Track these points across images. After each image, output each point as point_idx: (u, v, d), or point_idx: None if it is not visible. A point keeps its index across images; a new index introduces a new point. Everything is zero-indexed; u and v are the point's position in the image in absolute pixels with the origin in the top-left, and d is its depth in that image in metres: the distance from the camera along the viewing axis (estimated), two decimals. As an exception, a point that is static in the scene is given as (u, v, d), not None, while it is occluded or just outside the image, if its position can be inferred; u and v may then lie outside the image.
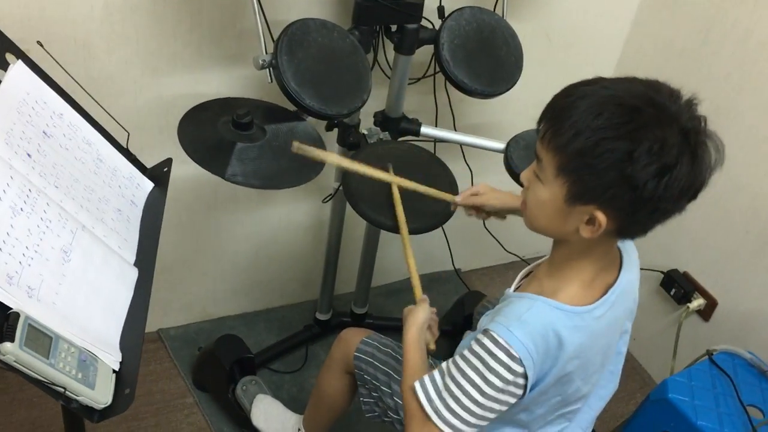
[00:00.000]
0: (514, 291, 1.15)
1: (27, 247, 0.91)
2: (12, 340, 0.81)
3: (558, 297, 1.04)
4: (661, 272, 2.02)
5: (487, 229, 2.16)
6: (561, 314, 1.03)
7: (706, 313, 1.95)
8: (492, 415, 1.04)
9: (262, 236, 2.00)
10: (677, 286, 1.98)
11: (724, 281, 1.90)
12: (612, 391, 1.27)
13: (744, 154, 1.79)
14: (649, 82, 0.97)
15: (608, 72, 2.16)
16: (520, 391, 1.03)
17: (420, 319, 1.23)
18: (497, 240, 2.20)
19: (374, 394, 1.42)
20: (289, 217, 2.00)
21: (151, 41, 1.55)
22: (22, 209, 0.93)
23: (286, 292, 2.19)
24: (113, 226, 1.10)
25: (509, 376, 1.00)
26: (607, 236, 1.01)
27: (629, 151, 0.90)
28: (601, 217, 0.96)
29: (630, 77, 0.98)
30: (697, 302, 1.94)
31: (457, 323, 2.09)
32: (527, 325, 1.01)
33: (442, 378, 1.06)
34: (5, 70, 1.05)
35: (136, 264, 1.11)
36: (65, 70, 1.19)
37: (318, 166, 1.38)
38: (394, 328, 2.12)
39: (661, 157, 0.91)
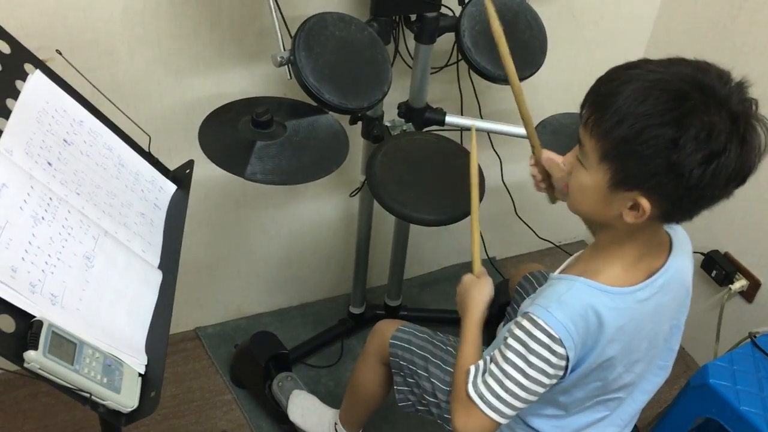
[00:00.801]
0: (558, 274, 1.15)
1: (49, 255, 0.93)
2: (36, 348, 0.82)
3: (599, 278, 1.04)
4: (702, 253, 1.97)
5: (519, 216, 2.13)
6: (601, 294, 1.02)
7: (749, 294, 1.89)
8: (535, 398, 1.05)
9: (292, 232, 2.01)
10: (718, 268, 1.92)
11: (766, 261, 1.84)
12: (658, 385, 1.25)
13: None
14: (697, 63, 0.94)
15: (639, 49, 2.10)
16: (561, 373, 1.04)
17: (487, 298, 1.23)
18: (530, 227, 2.16)
19: (410, 380, 1.42)
20: (318, 212, 2.00)
21: (173, 43, 1.56)
22: (43, 218, 0.94)
23: (320, 287, 2.20)
24: (136, 230, 1.11)
25: (552, 358, 1.01)
26: (651, 221, 0.99)
27: (675, 138, 0.88)
28: (645, 203, 0.95)
29: (677, 58, 0.96)
30: (740, 283, 1.88)
31: (492, 312, 2.05)
32: (566, 305, 1.01)
33: (485, 364, 1.08)
34: (24, 80, 1.07)
35: (160, 267, 1.11)
36: (86, 78, 1.20)
37: (338, 159, 1.37)
38: (429, 320, 2.12)
39: (708, 144, 0.88)
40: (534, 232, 2.19)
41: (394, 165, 1.47)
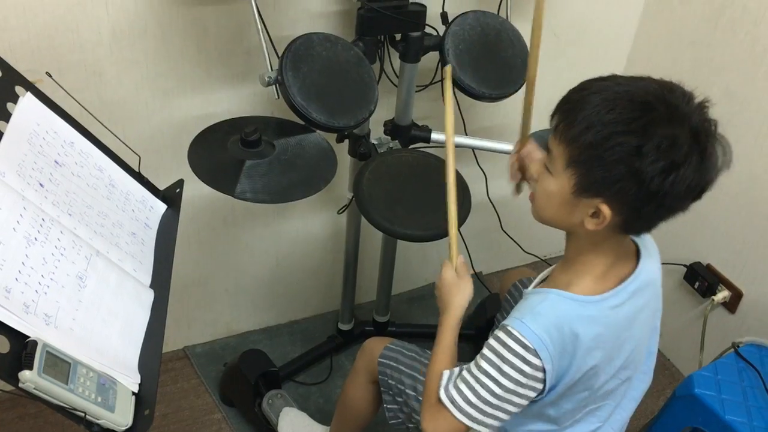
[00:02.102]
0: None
1: (42, 276, 0.93)
2: (30, 368, 0.83)
3: (570, 289, 1.06)
4: (684, 265, 2.00)
5: (504, 231, 2.15)
6: (574, 304, 1.05)
7: (731, 305, 1.92)
8: (512, 408, 1.06)
9: (281, 249, 2.02)
10: (701, 279, 1.95)
11: (748, 272, 1.87)
12: (644, 391, 1.27)
13: (760, 142, 1.76)
14: (663, 82, 0.98)
15: (620, 65, 2.15)
16: (539, 385, 1.05)
17: (467, 299, 1.22)
18: (515, 241, 2.19)
19: (398, 399, 1.43)
20: (306, 229, 2.02)
21: (160, 64, 1.57)
22: (36, 239, 0.95)
23: (309, 304, 2.21)
24: (128, 249, 1.12)
25: (527, 369, 1.02)
26: (613, 230, 1.03)
27: (638, 146, 0.92)
28: (606, 210, 0.98)
29: (645, 76, 1.00)
30: (722, 294, 1.91)
31: (480, 327, 2.08)
32: (540, 316, 1.04)
33: (461, 371, 1.09)
34: (15, 103, 1.08)
35: (151, 285, 1.12)
36: (75, 99, 1.21)
37: (327, 177, 1.39)
38: (417, 335, 2.14)
39: (669, 154, 0.92)
40: (520, 247, 2.21)
41: (381, 182, 1.49)
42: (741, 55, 1.78)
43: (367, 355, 1.48)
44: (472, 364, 1.08)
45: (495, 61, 1.64)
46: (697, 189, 0.96)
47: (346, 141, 1.69)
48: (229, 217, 1.88)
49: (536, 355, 1.01)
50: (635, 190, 0.94)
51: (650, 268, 1.13)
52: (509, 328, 1.04)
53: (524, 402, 1.06)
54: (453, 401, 1.07)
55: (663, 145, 0.91)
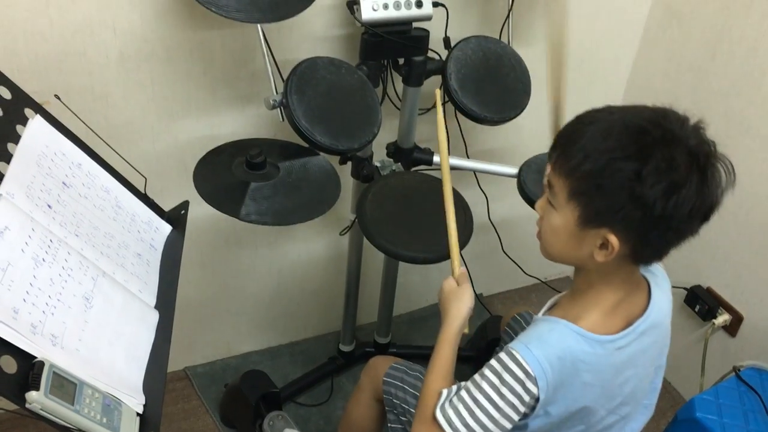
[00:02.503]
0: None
1: (50, 296, 0.94)
2: (37, 388, 0.83)
3: (579, 323, 1.05)
4: (684, 288, 2.01)
5: (506, 254, 2.16)
6: (581, 339, 1.04)
7: (732, 328, 1.92)
8: (499, 430, 1.04)
9: (282, 270, 2.03)
10: (701, 302, 1.96)
11: (748, 295, 1.88)
12: (644, 423, 1.26)
13: (759, 166, 1.78)
14: (656, 108, 0.99)
15: (619, 91, 2.17)
16: (527, 411, 1.04)
17: (465, 311, 1.21)
18: (517, 264, 2.20)
19: (403, 418, 1.43)
20: (308, 251, 2.03)
21: (166, 87, 1.59)
22: (44, 260, 0.96)
23: (310, 325, 2.21)
24: (133, 270, 1.13)
25: (525, 396, 1.01)
26: (622, 261, 1.02)
27: (637, 171, 0.92)
28: (613, 240, 0.98)
29: (639, 105, 1.00)
30: (723, 318, 1.92)
31: (480, 348, 2.08)
32: (547, 345, 1.03)
33: (459, 389, 1.08)
34: (24, 125, 1.09)
35: (156, 306, 1.13)
36: (83, 121, 1.22)
37: (331, 200, 1.40)
38: (418, 356, 2.13)
39: (669, 176, 0.92)
40: (521, 269, 2.22)
41: (384, 204, 1.50)
42: (739, 81, 1.81)
43: (372, 373, 1.49)
44: (470, 384, 1.06)
45: (496, 85, 1.66)
46: (702, 210, 0.96)
47: (349, 163, 1.71)
48: (231, 237, 1.89)
49: (535, 383, 1.01)
50: (640, 216, 0.94)
51: (661, 306, 1.12)
52: (513, 352, 1.03)
53: (510, 425, 1.05)
54: (449, 422, 1.05)
55: (661, 167, 0.92)
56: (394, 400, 1.43)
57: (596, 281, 1.06)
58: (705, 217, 0.97)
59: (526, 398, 1.02)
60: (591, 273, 1.06)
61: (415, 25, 1.59)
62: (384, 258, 1.93)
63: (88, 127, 1.23)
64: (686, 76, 1.96)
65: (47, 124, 1.12)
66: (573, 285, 1.13)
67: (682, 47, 1.95)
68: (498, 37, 1.74)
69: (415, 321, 2.31)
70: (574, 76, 2.06)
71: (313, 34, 1.66)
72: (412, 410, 1.40)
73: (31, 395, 0.83)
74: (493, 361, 1.05)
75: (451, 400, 1.07)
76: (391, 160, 1.74)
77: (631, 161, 0.92)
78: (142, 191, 1.28)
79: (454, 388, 1.10)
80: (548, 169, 1.04)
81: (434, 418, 1.07)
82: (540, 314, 1.17)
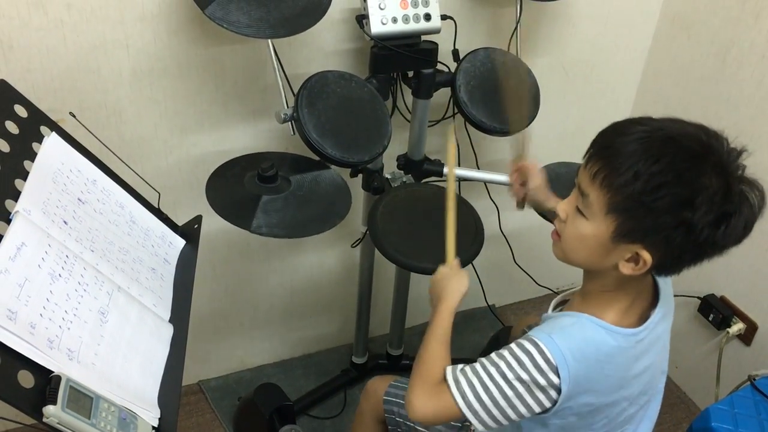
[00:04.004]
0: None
1: (66, 311, 0.95)
2: (55, 402, 0.84)
3: (601, 318, 1.05)
4: (698, 298, 2.00)
5: (517, 264, 2.16)
6: (603, 332, 1.03)
7: (746, 337, 1.91)
8: (513, 415, 1.03)
9: (295, 283, 2.03)
10: (715, 312, 1.95)
11: (763, 304, 1.87)
12: (657, 411, 1.24)
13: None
14: (700, 126, 0.97)
15: (629, 100, 2.17)
16: (548, 404, 1.03)
17: (464, 288, 1.21)
18: (528, 274, 2.20)
19: (408, 436, 1.43)
20: (321, 263, 2.03)
21: (178, 102, 1.61)
22: (60, 275, 0.97)
23: (322, 338, 2.22)
24: (148, 285, 1.14)
25: (541, 381, 1.00)
26: (645, 272, 1.01)
27: (690, 198, 0.91)
28: (647, 256, 0.97)
29: (677, 119, 0.99)
30: (737, 327, 1.91)
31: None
32: (570, 337, 1.02)
33: (472, 365, 1.05)
34: (40, 142, 1.11)
35: (170, 320, 1.14)
36: (97, 138, 1.24)
37: (341, 212, 1.41)
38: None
39: (722, 206, 0.92)
40: (533, 280, 2.22)
41: (395, 216, 1.51)
42: (749, 90, 1.80)
43: (371, 396, 1.48)
44: (485, 360, 1.04)
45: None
46: (743, 236, 0.96)
47: (360, 175, 1.72)
48: (244, 251, 1.90)
49: (556, 372, 0.99)
50: (681, 239, 0.94)
51: (668, 293, 1.13)
52: (536, 339, 1.01)
53: (527, 413, 1.03)
54: (462, 393, 1.03)
55: (717, 198, 0.91)
56: (398, 419, 1.43)
57: (611, 286, 1.06)
58: (739, 241, 0.97)
59: (545, 384, 1.00)
60: (607, 279, 1.06)
61: (423, 38, 1.60)
62: (396, 270, 1.94)
63: (102, 143, 1.25)
64: (696, 85, 1.96)
65: (63, 141, 1.14)
66: (584, 288, 1.13)
67: (691, 56, 1.95)
68: (506, 49, 1.75)
69: (428, 332, 2.31)
70: (584, 86, 2.07)
71: (323, 49, 1.67)
72: (418, 428, 1.39)
73: (49, 409, 0.84)
74: (513, 345, 1.03)
75: (463, 368, 1.05)
76: (402, 172, 1.75)
77: (685, 187, 0.92)
78: (156, 206, 1.29)
79: (459, 365, 1.08)
80: (583, 176, 1.02)
81: (444, 381, 1.05)
82: (549, 311, 1.17)
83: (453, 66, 1.68)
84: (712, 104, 1.91)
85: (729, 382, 1.91)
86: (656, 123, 0.98)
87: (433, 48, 1.60)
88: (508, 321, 2.37)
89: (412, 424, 1.40)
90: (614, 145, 0.97)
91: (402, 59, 1.57)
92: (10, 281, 0.90)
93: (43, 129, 1.13)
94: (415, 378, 1.11)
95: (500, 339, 2.13)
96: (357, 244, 1.82)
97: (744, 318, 1.91)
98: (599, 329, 1.04)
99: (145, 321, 1.08)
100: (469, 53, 1.66)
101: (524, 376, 1.01)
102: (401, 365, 2.12)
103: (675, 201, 0.92)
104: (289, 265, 2.00)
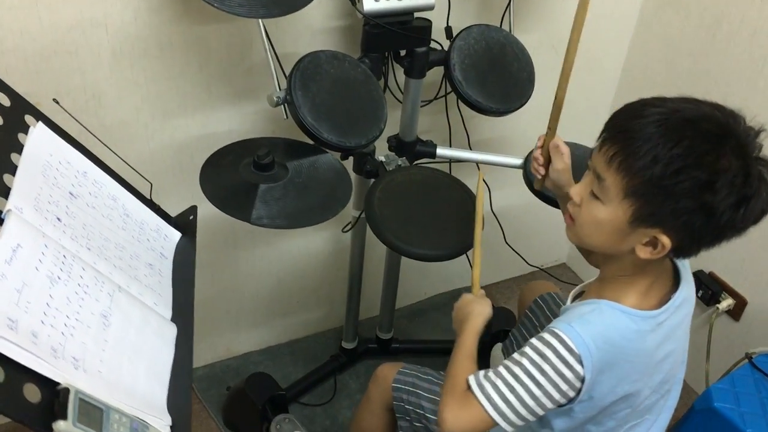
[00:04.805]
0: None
1: (68, 317, 0.89)
2: (65, 417, 0.78)
3: (620, 302, 1.04)
4: (687, 274, 2.00)
5: (507, 244, 2.14)
6: (624, 317, 1.02)
7: (735, 312, 1.92)
8: (541, 411, 1.03)
9: (281, 269, 1.98)
10: (704, 288, 1.95)
11: (752, 279, 1.88)
12: (677, 398, 1.24)
13: (763, 152, 1.77)
14: (717, 106, 0.96)
15: (615, 76, 2.15)
16: (572, 393, 1.02)
17: (487, 314, 1.23)
18: (518, 253, 2.17)
19: (417, 424, 1.40)
20: (308, 248, 1.98)
21: (161, 84, 1.53)
22: (59, 277, 0.91)
23: (309, 322, 2.17)
24: (147, 282, 1.08)
25: (568, 374, 1.00)
26: (664, 256, 1.00)
27: (711, 182, 0.90)
28: (666, 240, 0.96)
29: (691, 98, 0.98)
30: (726, 302, 1.92)
31: (484, 341, 2.05)
32: (591, 324, 1.01)
33: (495, 369, 1.05)
34: (26, 133, 1.03)
35: (173, 319, 1.08)
36: (82, 124, 1.17)
37: (343, 199, 1.36)
38: (422, 351, 2.11)
39: (743, 189, 0.91)
40: (523, 259, 2.19)
41: (393, 201, 1.47)
42: (739, 66, 1.79)
43: (381, 381, 1.45)
44: (509, 362, 1.03)
45: (501, 75, 1.63)
46: (762, 217, 0.95)
47: (350, 158, 1.66)
48: (230, 238, 1.84)
49: (580, 361, 0.99)
50: (702, 222, 0.93)
51: (688, 278, 1.11)
52: (557, 330, 1.01)
53: (553, 407, 1.03)
54: (487, 396, 1.02)
55: (737, 180, 0.90)
56: (407, 406, 1.40)
57: (630, 271, 1.05)
58: (757, 221, 0.96)
59: (570, 376, 0.99)
60: (625, 263, 1.04)
61: (416, 15, 1.55)
62: (386, 253, 1.90)
63: (88, 130, 1.17)
64: (684, 61, 1.94)
65: (50, 131, 1.06)
66: (601, 273, 1.12)
67: (679, 31, 1.93)
68: (499, 25, 1.71)
69: (415, 314, 2.28)
70: (552, 57, 2.04)
71: (311, 27, 1.60)
72: (428, 415, 1.36)
73: (59, 425, 0.78)
74: (535, 341, 1.03)
75: (486, 374, 1.05)
76: (394, 154, 1.70)
77: (706, 171, 0.90)
78: (148, 197, 1.23)
79: (481, 371, 1.07)
80: (597, 159, 1.00)
81: (470, 390, 1.04)
82: (568, 302, 1.16)
83: (446, 44, 1.62)
84: (700, 80, 1.90)
85: (719, 357, 1.92)
86: (671, 104, 0.96)
87: (427, 25, 1.55)
88: (495, 299, 2.33)
89: (422, 412, 1.37)
90: (631, 128, 0.95)
91: (395, 37, 1.52)
92: (8, 287, 0.83)
93: (28, 118, 1.05)
94: (445, 393, 1.09)
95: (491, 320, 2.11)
96: (349, 229, 1.77)
97: (733, 294, 1.92)
98: (619, 314, 1.03)
99: (149, 322, 1.02)
100: (462, 30, 1.61)
101: (549, 369, 1.00)
102: (391, 348, 2.09)
103: (695, 185, 0.91)
104: (275, 251, 1.94)
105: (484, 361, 1.49)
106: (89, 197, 1.08)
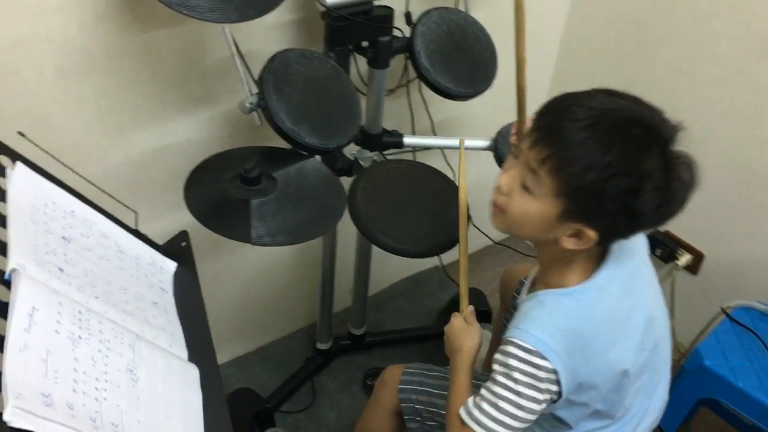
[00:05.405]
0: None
1: (96, 379, 0.80)
2: (126, 496, 0.71)
3: (561, 286, 1.08)
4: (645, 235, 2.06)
5: (474, 226, 2.12)
6: (564, 299, 1.06)
7: (693, 267, 2.00)
8: (533, 416, 1.05)
9: (246, 276, 1.90)
10: (662, 246, 2.02)
11: (706, 234, 1.95)
12: (671, 351, 1.27)
13: (708, 109, 1.83)
14: (630, 98, 1.00)
15: (553, 47, 2.16)
16: (555, 387, 1.04)
17: (477, 343, 1.23)
18: (484, 233, 2.16)
19: (431, 422, 1.38)
20: (271, 250, 1.90)
21: (111, 98, 1.41)
22: (80, 337, 0.81)
23: (276, 326, 2.10)
24: (157, 323, 0.99)
25: (539, 373, 1.01)
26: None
27: (637, 188, 0.94)
28: (591, 234, 1.00)
29: (606, 90, 1.00)
30: (684, 258, 1.99)
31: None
32: (537, 319, 1.04)
33: (478, 392, 1.08)
34: (4, 176, 0.92)
35: (190, 359, 1.00)
36: (62, 163, 1.05)
37: (339, 206, 1.31)
38: (396, 341, 2.08)
39: (664, 193, 0.96)
40: (490, 239, 2.19)
41: (376, 199, 1.42)
42: (683, 28, 1.83)
43: (390, 384, 1.42)
44: (488, 382, 1.07)
45: (465, 58, 1.60)
46: (677, 213, 1.01)
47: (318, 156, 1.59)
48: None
49: (541, 356, 1.01)
50: (625, 221, 0.98)
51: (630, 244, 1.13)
52: (510, 338, 1.04)
53: (544, 406, 1.05)
54: (478, 422, 1.05)
55: (660, 185, 0.95)
56: (417, 406, 1.38)
57: (562, 254, 1.07)
58: (675, 216, 1.02)
59: (542, 374, 1.01)
60: (556, 248, 1.06)
61: (375, 3, 1.49)
62: (356, 249, 1.85)
63: (73, 170, 1.06)
64: (626, 26, 1.97)
65: (30, 171, 0.95)
66: (539, 262, 1.16)
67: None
68: (454, 6, 1.67)
69: (382, 303, 2.25)
70: (511, 36, 2.03)
71: (264, 23, 1.51)
72: (442, 411, 1.34)
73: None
74: (497, 355, 1.06)
75: (474, 400, 1.08)
76: (361, 148, 1.65)
77: (632, 178, 0.94)
78: (134, 227, 1.13)
79: (468, 399, 1.10)
80: (530, 155, 1.00)
81: (462, 422, 1.08)
82: (523, 295, 1.19)
83: (407, 30, 1.57)
84: (645, 43, 1.93)
85: (683, 311, 1.99)
86: (595, 103, 0.98)
87: (389, 13, 1.50)
88: (455, 277, 2.35)
89: (435, 410, 1.35)
90: (562, 131, 0.97)
91: (359, 28, 1.45)
92: (34, 358, 0.74)
93: (3, 159, 0.94)
94: (448, 428, 1.12)
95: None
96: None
97: (690, 249, 1.99)
98: (559, 298, 1.07)
99: (172, 368, 0.94)
100: (422, 15, 1.57)
101: (519, 376, 1.02)
102: (365, 343, 2.05)
103: (623, 190, 0.95)
104: (238, 258, 1.85)
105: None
106: (82, 239, 0.97)
